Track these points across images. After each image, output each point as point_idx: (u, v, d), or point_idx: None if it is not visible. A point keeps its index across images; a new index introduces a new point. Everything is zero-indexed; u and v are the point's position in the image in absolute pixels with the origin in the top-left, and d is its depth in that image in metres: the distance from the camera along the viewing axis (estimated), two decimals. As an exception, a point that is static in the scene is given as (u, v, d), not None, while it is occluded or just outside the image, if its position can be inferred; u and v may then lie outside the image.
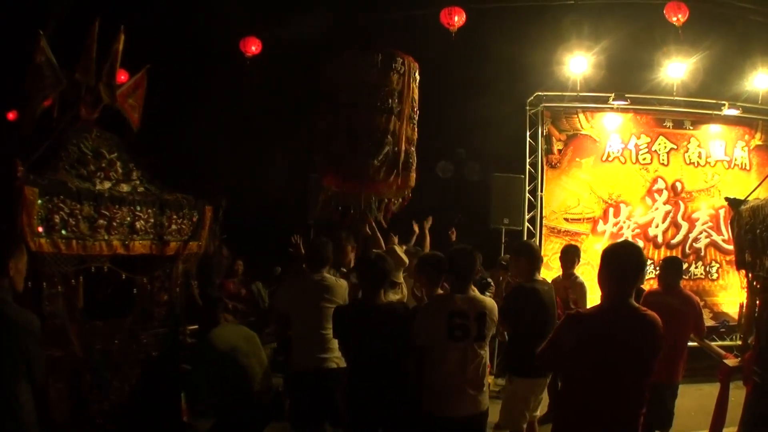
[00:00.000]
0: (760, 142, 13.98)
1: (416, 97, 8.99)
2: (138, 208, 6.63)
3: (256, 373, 6.67)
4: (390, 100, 8.72)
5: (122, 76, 7.48)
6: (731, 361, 7.56)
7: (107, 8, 7.35)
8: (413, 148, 8.88)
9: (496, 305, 6.02)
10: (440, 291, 6.23)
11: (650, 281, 12.88)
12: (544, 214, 13.53)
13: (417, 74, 9.02)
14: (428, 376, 5.71)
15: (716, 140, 13.80)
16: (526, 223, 13.67)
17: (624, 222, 13.50)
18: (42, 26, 6.60)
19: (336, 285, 6.88)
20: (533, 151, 13.86)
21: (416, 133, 9.00)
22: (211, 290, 6.81)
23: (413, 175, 8.75)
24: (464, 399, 5.66)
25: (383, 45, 9.01)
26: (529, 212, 13.72)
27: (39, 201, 5.59)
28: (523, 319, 6.83)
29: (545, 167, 13.59)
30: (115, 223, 6.38)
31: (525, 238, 12.96)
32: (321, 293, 6.79)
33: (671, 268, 7.90)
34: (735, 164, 13.80)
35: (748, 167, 13.83)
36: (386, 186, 8.63)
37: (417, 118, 9.04)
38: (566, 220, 13.49)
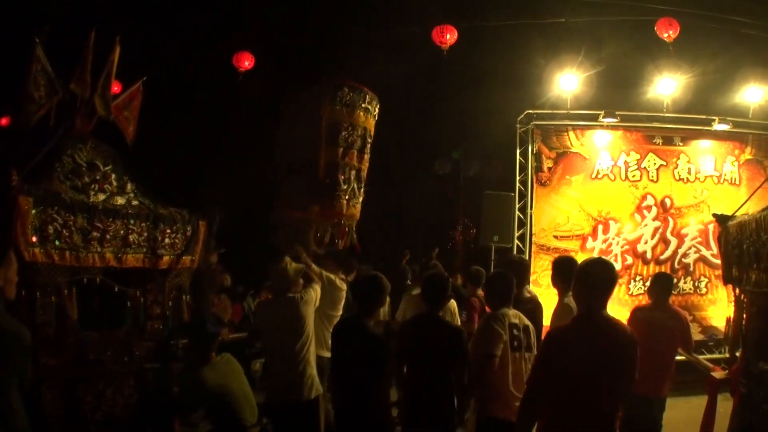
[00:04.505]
0: (750, 156, 13.99)
1: (362, 123, 9.08)
2: (131, 222, 6.66)
3: (244, 409, 6.65)
4: (318, 130, 8.90)
5: (116, 87, 7.51)
6: (719, 374, 7.62)
7: (103, 19, 7.39)
8: (344, 176, 8.93)
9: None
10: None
11: (639, 297, 12.98)
12: (533, 232, 13.58)
13: (368, 103, 9.11)
14: (492, 383, 5.97)
15: (706, 156, 13.82)
16: (516, 241, 13.73)
17: (613, 239, 13.55)
18: (37, 33, 6.61)
19: None
20: (523, 168, 13.91)
21: (362, 161, 9.09)
22: (210, 325, 6.75)
23: (342, 203, 8.78)
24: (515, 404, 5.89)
25: (337, 76, 9.16)
26: (518, 230, 13.79)
27: (33, 211, 5.62)
28: None
29: (535, 185, 13.65)
30: (108, 236, 6.41)
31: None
32: None
33: (659, 285, 7.93)
34: (725, 179, 13.82)
35: (737, 182, 13.85)
36: (311, 214, 8.75)
37: (362, 145, 9.11)
38: (556, 237, 13.54)
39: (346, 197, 8.78)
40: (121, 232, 6.56)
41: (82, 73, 6.54)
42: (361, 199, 9.06)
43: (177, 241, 7.22)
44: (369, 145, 9.15)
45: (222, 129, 15.81)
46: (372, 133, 9.18)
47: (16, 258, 5.07)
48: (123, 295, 6.83)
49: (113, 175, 6.77)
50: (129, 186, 6.95)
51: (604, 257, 5.63)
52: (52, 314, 5.86)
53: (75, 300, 6.20)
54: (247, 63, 14.25)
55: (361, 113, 8.97)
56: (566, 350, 4.61)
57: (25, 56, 6.33)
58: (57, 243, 5.88)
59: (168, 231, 7.10)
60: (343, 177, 8.80)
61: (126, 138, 7.32)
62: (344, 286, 8.45)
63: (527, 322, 6.25)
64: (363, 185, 9.10)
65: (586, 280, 4.76)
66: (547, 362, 4.70)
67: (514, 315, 6.18)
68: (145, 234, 6.82)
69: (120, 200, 6.73)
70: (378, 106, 9.26)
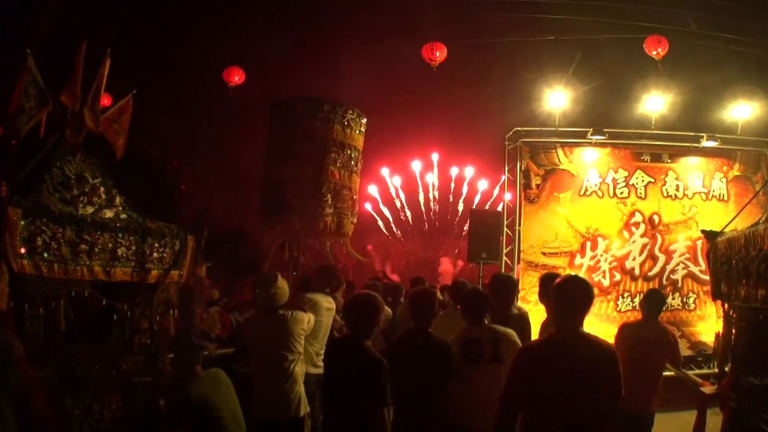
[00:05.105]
0: (738, 173, 14.01)
1: (322, 133, 9.14)
2: (120, 235, 6.62)
3: (230, 425, 6.60)
4: (297, 146, 9.01)
5: (105, 100, 7.49)
6: (708, 389, 7.64)
7: (94, 31, 7.39)
8: (297, 191, 9.07)
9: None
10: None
11: (627, 313, 13.00)
12: (521, 249, 13.57)
13: (330, 111, 9.19)
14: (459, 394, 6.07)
15: (694, 172, 13.83)
16: (504, 258, 13.72)
17: (601, 255, 13.55)
18: (28, 44, 6.61)
19: None
20: (511, 186, 13.93)
21: (322, 172, 9.18)
22: (195, 339, 6.68)
23: (291, 218, 8.90)
24: (482, 413, 5.84)
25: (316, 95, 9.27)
26: (506, 246, 13.78)
27: (22, 222, 5.60)
28: None
29: (523, 202, 13.65)
30: (96, 249, 6.38)
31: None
32: None
33: (650, 301, 7.95)
34: (713, 195, 13.83)
35: (725, 198, 13.88)
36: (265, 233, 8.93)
37: (320, 155, 9.21)
38: (544, 254, 13.54)
39: (298, 213, 8.85)
40: (110, 245, 6.53)
41: (72, 85, 6.53)
42: (329, 211, 9.07)
43: (165, 255, 7.19)
44: (336, 154, 9.17)
45: (212, 141, 15.82)
46: (340, 140, 9.22)
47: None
48: (111, 308, 6.78)
49: (102, 188, 6.75)
50: (118, 199, 6.93)
51: (579, 275, 5.50)
52: (40, 326, 5.84)
53: (62, 313, 6.16)
54: (237, 78, 14.28)
55: (318, 123, 9.02)
56: (539, 368, 4.59)
57: (16, 67, 6.32)
58: (45, 255, 5.85)
59: (156, 245, 7.07)
60: (293, 192, 8.88)
61: (115, 151, 7.29)
62: (332, 304, 8.36)
63: (500, 333, 6.28)
64: (329, 197, 9.12)
65: (560, 298, 4.74)
66: (518, 379, 4.67)
67: (482, 330, 6.30)
68: (134, 248, 6.79)
69: (108, 213, 6.71)
70: (350, 111, 9.32)
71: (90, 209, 6.54)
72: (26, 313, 5.70)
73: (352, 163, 9.55)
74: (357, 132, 9.66)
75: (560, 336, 4.68)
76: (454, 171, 23.05)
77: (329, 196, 9.12)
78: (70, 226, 6.11)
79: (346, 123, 9.36)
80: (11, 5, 12.15)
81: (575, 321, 4.66)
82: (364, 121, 9.90)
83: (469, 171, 22.33)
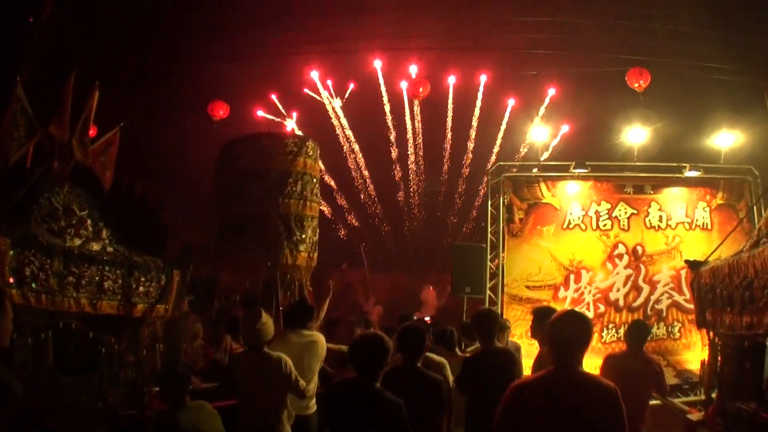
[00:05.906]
0: (721, 201, 13.96)
1: (258, 167, 9.20)
2: (107, 268, 6.65)
3: None
4: (221, 190, 9.35)
5: (91, 131, 7.49)
6: (695, 416, 7.67)
7: (82, 62, 7.41)
8: (244, 231, 9.26)
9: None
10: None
11: (612, 345, 12.99)
12: (505, 282, 13.54)
13: (265, 144, 9.28)
14: None
15: (677, 202, 13.85)
16: (488, 292, 13.69)
17: (585, 287, 13.53)
18: (16, 71, 6.63)
19: None
20: (495, 220, 13.93)
21: (270, 206, 9.34)
22: (181, 366, 6.62)
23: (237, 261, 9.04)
24: None
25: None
26: (490, 281, 13.75)
27: (11, 252, 5.61)
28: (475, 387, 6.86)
29: (506, 236, 13.67)
30: (83, 282, 6.40)
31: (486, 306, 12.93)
32: None
33: (632, 332, 7.97)
34: (696, 225, 13.81)
35: (709, 227, 13.85)
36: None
37: (252, 189, 9.36)
38: (527, 287, 13.50)
39: (227, 255, 8.92)
40: (96, 278, 6.55)
41: (60, 117, 6.56)
42: (253, 245, 9.08)
43: (151, 289, 7.21)
44: (253, 184, 9.18)
45: (195, 174, 15.84)
46: (255, 169, 9.28)
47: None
48: (98, 341, 6.76)
49: (89, 221, 6.77)
50: (104, 232, 6.94)
51: (577, 309, 5.21)
52: (28, 355, 5.83)
53: (51, 344, 6.14)
54: (221, 112, 14.36)
55: (227, 162, 9.15)
56: (533, 406, 4.37)
57: (4, 95, 6.33)
58: (33, 285, 5.87)
59: (142, 279, 7.09)
60: (224, 236, 8.94)
61: (103, 184, 7.30)
62: (305, 338, 8.09)
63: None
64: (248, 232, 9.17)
65: (557, 335, 4.50)
66: (510, 416, 4.43)
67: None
68: (120, 281, 6.81)
69: (95, 246, 6.72)
70: (264, 137, 9.43)
71: (77, 241, 6.55)
72: (15, 343, 5.68)
73: (278, 188, 9.40)
74: (280, 156, 9.43)
75: (557, 374, 4.44)
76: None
77: (248, 231, 9.10)
78: (58, 257, 6.13)
79: (259, 150, 9.27)
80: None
81: (573, 359, 4.43)
82: (289, 141, 9.67)
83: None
